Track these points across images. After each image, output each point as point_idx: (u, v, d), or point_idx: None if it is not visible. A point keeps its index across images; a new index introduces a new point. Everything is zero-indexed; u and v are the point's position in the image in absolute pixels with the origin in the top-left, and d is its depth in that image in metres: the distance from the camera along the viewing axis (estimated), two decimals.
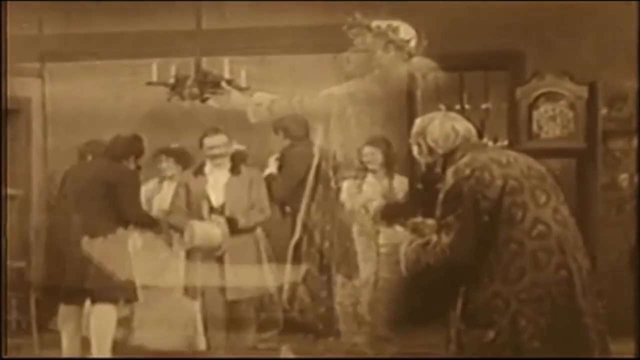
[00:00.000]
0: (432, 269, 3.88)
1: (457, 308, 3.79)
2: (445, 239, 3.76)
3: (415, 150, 4.03)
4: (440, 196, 3.80)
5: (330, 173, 5.12)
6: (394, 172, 6.48)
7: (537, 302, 3.64)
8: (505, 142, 7.97)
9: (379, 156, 6.28)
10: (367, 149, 5.89)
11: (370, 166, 5.91)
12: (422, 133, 3.97)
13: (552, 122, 7.39)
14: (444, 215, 3.78)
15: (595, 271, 4.09)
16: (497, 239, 3.69)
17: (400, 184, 6.41)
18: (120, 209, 5.86)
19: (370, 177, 5.88)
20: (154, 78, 7.06)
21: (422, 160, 4.01)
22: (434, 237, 3.84)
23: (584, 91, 7.27)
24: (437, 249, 3.80)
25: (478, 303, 3.72)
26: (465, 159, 3.81)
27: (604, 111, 7.12)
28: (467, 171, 3.74)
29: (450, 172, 3.80)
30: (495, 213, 3.69)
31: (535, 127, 7.43)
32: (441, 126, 3.94)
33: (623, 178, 7.04)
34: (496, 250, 3.69)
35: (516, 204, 3.68)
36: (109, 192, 5.84)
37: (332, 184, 5.11)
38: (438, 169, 3.92)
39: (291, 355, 5.64)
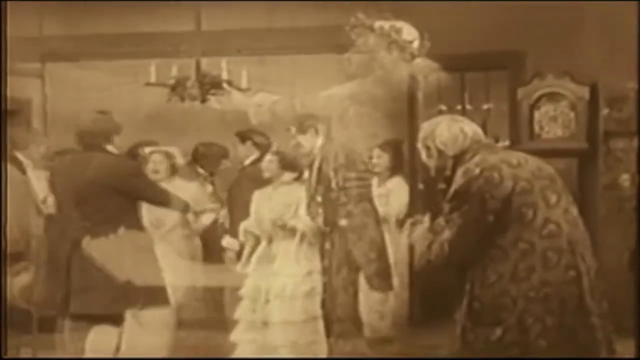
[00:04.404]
0: (433, 266, 3.89)
1: (462, 306, 3.80)
2: (446, 235, 3.78)
3: (424, 154, 4.04)
4: (449, 195, 3.82)
5: (332, 174, 5.09)
6: (395, 174, 6.51)
7: (544, 301, 3.67)
8: (507, 143, 7.96)
9: (386, 159, 6.33)
10: (376, 152, 5.90)
11: (376, 169, 5.92)
12: (430, 136, 3.99)
13: (554, 122, 7.40)
14: (449, 212, 3.80)
15: (599, 271, 4.09)
16: (505, 238, 3.71)
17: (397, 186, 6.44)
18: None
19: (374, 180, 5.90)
20: (154, 79, 7.07)
21: (432, 163, 4.02)
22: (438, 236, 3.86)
23: (585, 92, 7.28)
24: (436, 245, 3.81)
25: (485, 301, 3.73)
26: (476, 159, 3.84)
27: (605, 112, 7.12)
28: (477, 171, 3.77)
29: (460, 172, 3.83)
30: (503, 213, 3.71)
31: (536, 128, 7.44)
32: (449, 128, 3.97)
33: (624, 178, 7.04)
34: (504, 249, 3.71)
35: (527, 204, 3.72)
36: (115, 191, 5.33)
37: (333, 185, 5.09)
38: (448, 172, 3.93)
39: (291, 355, 5.63)
